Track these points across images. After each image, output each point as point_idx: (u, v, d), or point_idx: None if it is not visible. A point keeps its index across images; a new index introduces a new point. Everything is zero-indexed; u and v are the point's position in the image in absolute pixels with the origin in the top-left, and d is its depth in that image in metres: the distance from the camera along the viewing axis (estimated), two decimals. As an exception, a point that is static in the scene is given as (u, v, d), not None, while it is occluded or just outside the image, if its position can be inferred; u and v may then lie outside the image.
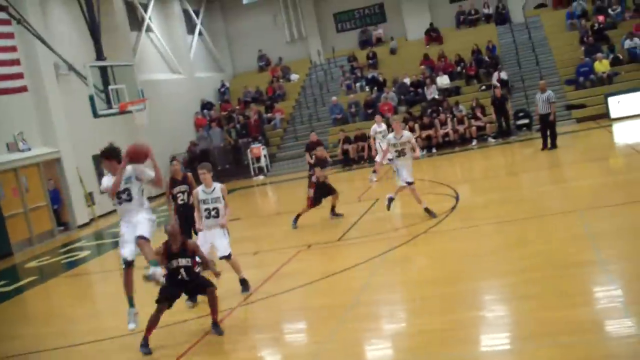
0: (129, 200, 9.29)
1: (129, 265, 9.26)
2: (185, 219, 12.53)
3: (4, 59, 21.79)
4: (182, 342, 9.21)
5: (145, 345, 8.97)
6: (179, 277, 9.18)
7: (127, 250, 9.21)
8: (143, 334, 9.04)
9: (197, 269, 9.54)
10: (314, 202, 15.89)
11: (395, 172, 15.42)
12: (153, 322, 9.02)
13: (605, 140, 21.92)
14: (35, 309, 14.06)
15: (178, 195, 13.06)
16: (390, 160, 15.82)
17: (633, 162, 17.25)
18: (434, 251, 11.87)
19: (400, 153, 14.35)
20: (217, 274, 9.60)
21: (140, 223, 9.17)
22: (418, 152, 14.67)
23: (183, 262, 9.19)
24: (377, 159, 20.16)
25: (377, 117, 21.83)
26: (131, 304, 9.33)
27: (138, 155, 9.18)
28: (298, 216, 15.98)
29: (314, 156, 16.50)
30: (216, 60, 38.45)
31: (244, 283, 11.19)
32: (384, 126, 20.89)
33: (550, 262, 9.67)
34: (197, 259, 9.45)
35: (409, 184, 14.30)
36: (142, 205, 9.37)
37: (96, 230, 23.08)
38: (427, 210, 14.16)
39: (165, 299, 9.14)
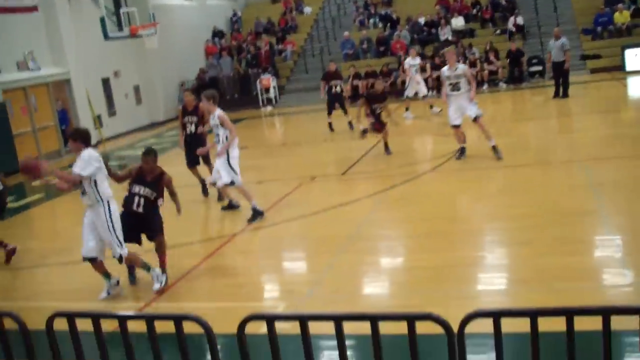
0: (83, 193, 8.11)
1: (89, 261, 8.38)
2: (189, 148, 12.72)
3: (15, -24, 21.64)
4: (184, 264, 9.39)
5: (131, 274, 8.90)
6: (134, 206, 8.65)
7: (84, 248, 8.29)
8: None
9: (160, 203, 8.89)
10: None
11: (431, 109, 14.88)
12: (133, 260, 8.58)
13: (619, 92, 21.78)
14: (41, 225, 14.33)
15: (186, 124, 13.02)
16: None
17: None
18: (436, 191, 11.97)
19: (454, 87, 13.32)
20: (178, 210, 9.12)
21: (100, 226, 8.15)
22: (474, 87, 13.45)
23: (144, 191, 8.66)
24: (408, 92, 20.67)
25: (412, 50, 22.19)
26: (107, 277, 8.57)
27: (27, 171, 8.17)
28: (386, 145, 15.31)
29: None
30: (229, -12, 38.01)
31: (254, 212, 11.09)
32: (418, 59, 21.31)
33: (550, 210, 9.74)
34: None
35: (476, 119, 13.30)
36: (97, 200, 8.05)
37: (103, 152, 23.12)
38: (494, 148, 13.33)
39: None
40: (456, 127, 13.58)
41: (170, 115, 29.25)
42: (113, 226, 8.10)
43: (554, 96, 20.91)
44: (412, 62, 20.89)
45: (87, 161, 7.86)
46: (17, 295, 9.42)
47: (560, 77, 20.71)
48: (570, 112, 19.42)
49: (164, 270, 8.64)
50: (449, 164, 13.57)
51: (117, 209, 8.20)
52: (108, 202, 8.07)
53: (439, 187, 12.21)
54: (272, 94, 29.46)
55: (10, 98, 20.99)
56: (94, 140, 23.99)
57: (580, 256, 7.99)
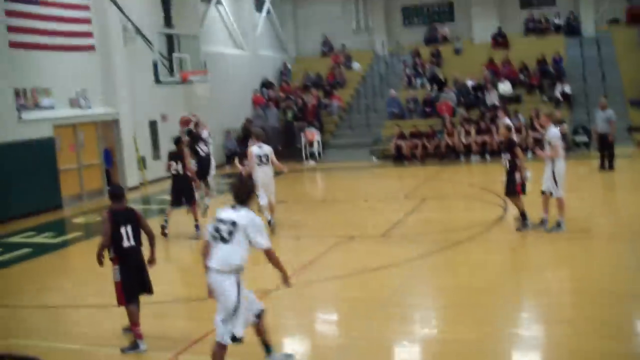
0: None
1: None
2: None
3: (76, 17, 22.28)
4: (210, 319, 9.35)
5: (135, 344, 8.47)
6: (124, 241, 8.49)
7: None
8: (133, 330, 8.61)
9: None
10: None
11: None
12: (135, 317, 8.54)
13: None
14: (77, 263, 14.42)
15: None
16: None
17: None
18: (475, 260, 11.80)
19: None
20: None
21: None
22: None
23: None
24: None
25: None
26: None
27: None
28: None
29: None
30: (280, 41, 38.57)
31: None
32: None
33: (591, 288, 9.53)
34: None
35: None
36: None
37: (144, 195, 23.45)
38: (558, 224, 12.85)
39: (132, 297, 8.56)
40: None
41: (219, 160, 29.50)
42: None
43: (599, 168, 20.66)
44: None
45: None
46: (47, 334, 9.45)
47: (606, 149, 20.49)
48: (615, 185, 19.14)
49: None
50: (490, 233, 13.42)
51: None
52: None
53: (478, 256, 12.04)
54: (315, 148, 29.57)
55: (60, 134, 21.40)
56: (136, 182, 24.33)
57: (622, 342, 7.76)
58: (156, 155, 26.48)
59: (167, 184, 24.98)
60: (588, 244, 12.35)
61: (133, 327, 8.52)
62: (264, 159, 14.65)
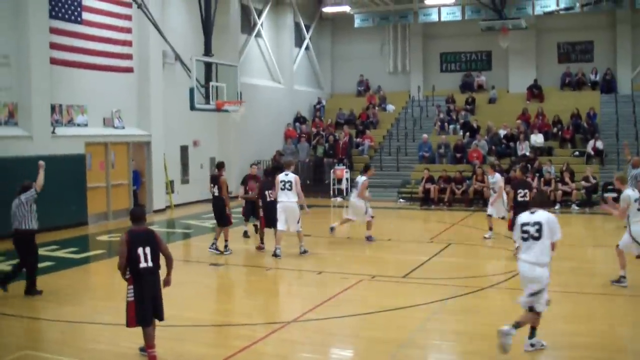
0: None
1: None
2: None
3: (117, 38, 22.69)
4: (226, 346, 9.33)
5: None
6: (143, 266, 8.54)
7: None
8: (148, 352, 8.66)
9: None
10: None
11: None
12: (149, 339, 8.61)
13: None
14: (98, 281, 14.50)
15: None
16: None
17: None
18: (497, 307, 11.66)
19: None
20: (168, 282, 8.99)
21: None
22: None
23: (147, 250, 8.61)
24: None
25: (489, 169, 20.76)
26: None
27: None
28: None
29: None
30: (317, 77, 38.88)
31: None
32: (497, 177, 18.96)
33: (612, 346, 9.38)
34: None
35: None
36: None
37: (170, 218, 23.57)
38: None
39: (145, 320, 8.56)
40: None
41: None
42: None
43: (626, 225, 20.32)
44: (491, 179, 19.20)
45: None
46: (63, 349, 9.45)
47: None
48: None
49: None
50: (513, 282, 13.25)
51: None
52: None
53: (500, 304, 11.91)
54: (344, 185, 29.59)
55: (91, 151, 21.66)
56: (163, 205, 24.46)
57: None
58: (185, 180, 26.67)
59: (193, 210, 25.28)
60: (610, 299, 12.14)
61: (147, 349, 8.54)
62: (287, 185, 15.57)
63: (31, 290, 12.26)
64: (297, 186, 15.60)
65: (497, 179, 18.33)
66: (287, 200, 15.56)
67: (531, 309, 8.97)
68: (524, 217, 9.16)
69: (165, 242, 9.10)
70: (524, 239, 9.01)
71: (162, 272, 8.81)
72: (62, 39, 20.77)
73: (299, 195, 15.61)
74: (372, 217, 18.13)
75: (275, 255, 15.56)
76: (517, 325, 8.73)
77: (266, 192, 16.39)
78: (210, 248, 16.29)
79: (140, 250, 8.51)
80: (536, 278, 8.86)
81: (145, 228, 8.97)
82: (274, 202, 15.94)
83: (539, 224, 8.96)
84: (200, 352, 9.22)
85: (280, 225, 15.59)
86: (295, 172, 16.24)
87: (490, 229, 18.28)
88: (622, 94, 32.55)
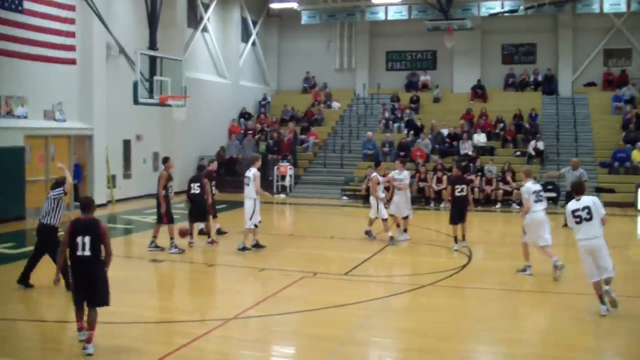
0: None
1: None
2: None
3: (60, 29, 22.24)
4: (166, 342, 9.26)
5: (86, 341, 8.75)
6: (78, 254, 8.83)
7: None
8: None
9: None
10: None
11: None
12: (77, 315, 9.09)
13: (629, 229, 21.69)
14: (36, 276, 14.15)
15: (168, 188, 16.17)
16: None
17: (652, 256, 17.12)
18: (436, 305, 11.79)
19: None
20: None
21: None
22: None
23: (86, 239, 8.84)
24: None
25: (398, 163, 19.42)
26: None
27: None
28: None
29: None
30: (263, 73, 38.75)
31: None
32: (405, 173, 18.64)
33: (548, 341, 9.59)
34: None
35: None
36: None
37: (111, 213, 23.24)
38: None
39: (75, 300, 9.05)
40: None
41: (183, 186, 29.20)
42: None
43: (564, 224, 20.74)
44: (397, 175, 18.26)
45: None
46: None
47: None
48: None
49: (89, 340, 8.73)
50: (453, 280, 13.44)
51: None
52: None
53: (439, 301, 12.03)
54: (287, 182, 29.57)
55: (30, 144, 21.22)
56: (104, 199, 24.12)
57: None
58: (127, 174, 26.34)
59: (134, 205, 24.97)
60: (547, 297, 12.38)
61: (77, 321, 9.05)
62: (246, 181, 15.89)
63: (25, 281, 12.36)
64: (255, 182, 15.67)
65: (405, 175, 18.13)
66: (245, 196, 15.86)
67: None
68: (573, 204, 11.03)
69: (108, 234, 9.06)
70: (578, 222, 10.85)
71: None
72: (2, 29, 20.24)
73: (256, 192, 15.68)
74: (385, 218, 17.57)
75: (240, 249, 15.88)
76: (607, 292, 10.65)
77: (191, 184, 17.01)
78: (170, 251, 15.69)
79: (79, 239, 8.76)
80: (599, 247, 10.73)
81: (90, 218, 9.05)
82: (196, 195, 16.80)
83: (587, 207, 10.87)
84: (140, 348, 9.12)
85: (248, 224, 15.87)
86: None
87: (399, 225, 17.95)
88: (563, 96, 33.25)
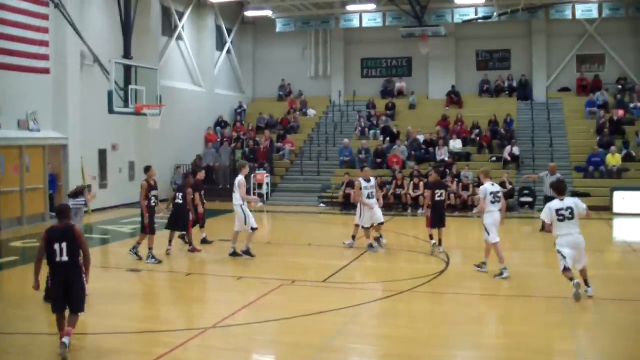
0: None
1: None
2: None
3: (33, 38, 21.98)
4: (145, 352, 9.19)
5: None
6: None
7: None
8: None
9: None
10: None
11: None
12: (59, 325, 9.12)
13: (604, 233, 21.87)
14: (11, 289, 14.02)
15: (151, 198, 15.84)
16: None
17: (627, 259, 17.28)
18: (414, 310, 11.83)
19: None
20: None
21: None
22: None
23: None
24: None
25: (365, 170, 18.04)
26: None
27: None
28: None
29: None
30: (238, 81, 38.73)
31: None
32: (372, 181, 17.66)
33: (527, 345, 9.61)
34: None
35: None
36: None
37: (86, 223, 23.01)
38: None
39: (55, 307, 9.11)
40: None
41: (160, 195, 29.13)
42: None
43: (541, 229, 20.90)
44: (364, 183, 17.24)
45: None
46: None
47: None
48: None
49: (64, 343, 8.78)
50: (430, 285, 13.48)
51: None
52: None
53: (417, 307, 12.07)
54: (264, 189, 29.54)
55: (4, 154, 21.01)
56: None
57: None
58: (103, 184, 26.16)
59: (111, 215, 24.80)
60: (525, 301, 12.44)
61: (59, 331, 9.02)
62: (234, 187, 16.17)
63: None
64: (240, 189, 15.87)
65: (372, 183, 17.44)
66: (233, 203, 16.10)
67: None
68: (556, 204, 12.06)
69: (84, 239, 9.27)
70: (560, 220, 11.95)
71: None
72: (-26, 38, 20.09)
73: (242, 198, 15.89)
74: (366, 227, 17.15)
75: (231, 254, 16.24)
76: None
77: (176, 194, 17.30)
78: (147, 260, 15.56)
79: (56, 246, 8.95)
80: (581, 242, 12.05)
81: (65, 224, 9.22)
82: (179, 205, 16.99)
83: (570, 208, 11.97)
84: (120, 359, 9.04)
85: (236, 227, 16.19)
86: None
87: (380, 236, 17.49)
88: (537, 101, 33.57)
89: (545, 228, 12.38)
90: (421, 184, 25.54)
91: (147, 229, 15.65)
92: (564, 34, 34.25)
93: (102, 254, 18.16)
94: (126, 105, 20.09)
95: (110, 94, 19.29)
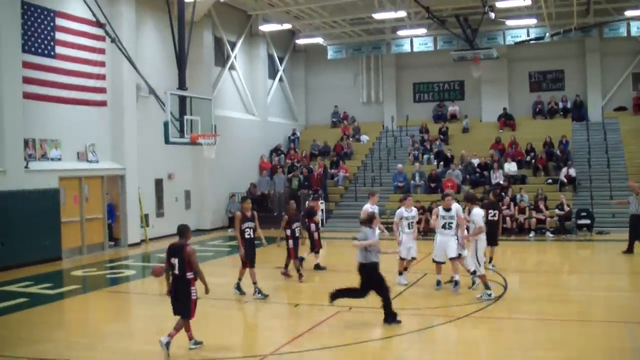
0: None
1: None
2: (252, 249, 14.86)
3: (91, 72, 22.66)
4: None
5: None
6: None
7: None
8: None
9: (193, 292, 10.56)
10: None
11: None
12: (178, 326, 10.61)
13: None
14: (72, 316, 14.29)
15: (246, 230, 14.70)
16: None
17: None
18: (472, 337, 11.68)
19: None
20: (206, 290, 10.80)
21: None
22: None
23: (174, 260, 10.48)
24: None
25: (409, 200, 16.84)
26: None
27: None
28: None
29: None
30: (291, 109, 39.03)
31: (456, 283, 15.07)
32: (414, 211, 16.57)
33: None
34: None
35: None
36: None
37: (145, 252, 23.40)
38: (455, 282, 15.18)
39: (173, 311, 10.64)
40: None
41: (216, 224, 29.57)
42: None
43: (626, 250, 20.14)
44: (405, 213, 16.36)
45: None
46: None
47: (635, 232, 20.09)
48: (622, 269, 18.78)
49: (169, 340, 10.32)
50: (488, 311, 13.27)
51: None
52: None
53: (475, 333, 11.87)
54: (319, 216, 29.49)
55: (64, 185, 21.50)
56: (138, 238, 24.30)
57: None
58: (160, 213, 26.54)
59: (168, 243, 24.99)
60: (585, 326, 12.16)
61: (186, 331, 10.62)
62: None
63: None
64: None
65: (414, 213, 16.44)
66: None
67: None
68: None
69: (194, 258, 10.49)
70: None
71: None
72: (35, 73, 20.70)
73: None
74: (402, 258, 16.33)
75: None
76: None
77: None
78: (255, 296, 14.68)
79: (173, 260, 10.46)
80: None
81: (179, 242, 10.63)
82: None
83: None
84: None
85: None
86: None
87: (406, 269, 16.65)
88: (593, 122, 33.05)
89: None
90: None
91: (246, 263, 14.75)
92: (618, 52, 33.74)
93: (162, 282, 18.33)
94: (182, 135, 20.32)
95: (166, 125, 19.55)
